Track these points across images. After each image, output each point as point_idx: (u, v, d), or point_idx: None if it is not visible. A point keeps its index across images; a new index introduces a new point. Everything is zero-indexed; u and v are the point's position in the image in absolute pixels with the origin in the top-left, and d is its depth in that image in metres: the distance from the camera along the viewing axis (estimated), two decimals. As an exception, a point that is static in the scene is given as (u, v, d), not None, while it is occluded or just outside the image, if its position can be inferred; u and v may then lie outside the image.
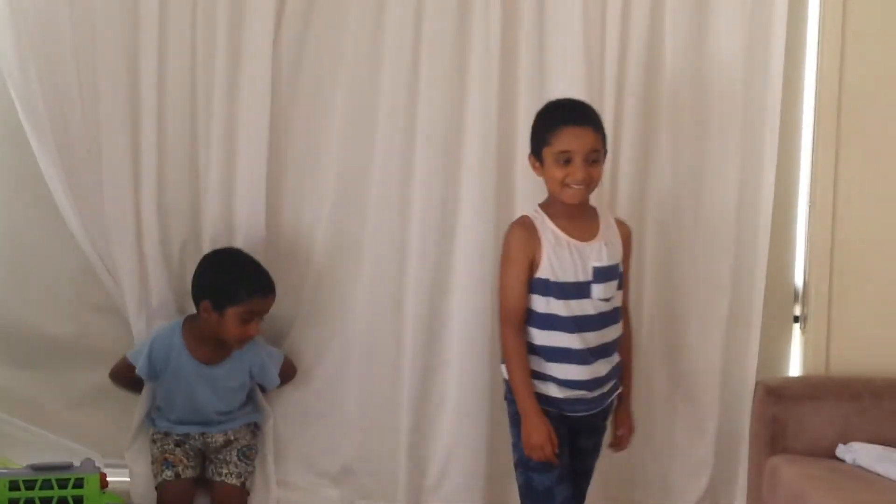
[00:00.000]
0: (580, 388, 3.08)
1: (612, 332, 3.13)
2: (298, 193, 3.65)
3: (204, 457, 3.59)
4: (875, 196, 3.72)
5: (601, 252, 3.07)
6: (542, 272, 3.03)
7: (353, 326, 3.67)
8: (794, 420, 3.52)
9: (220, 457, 3.56)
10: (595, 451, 3.27)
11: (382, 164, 3.60)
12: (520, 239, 3.06)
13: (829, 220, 3.71)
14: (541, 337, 3.07)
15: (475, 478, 3.67)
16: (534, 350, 3.08)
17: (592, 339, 3.06)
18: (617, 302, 3.14)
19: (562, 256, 3.03)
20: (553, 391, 3.07)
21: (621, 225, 3.22)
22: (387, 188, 3.61)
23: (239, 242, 3.58)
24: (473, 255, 3.60)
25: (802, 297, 3.79)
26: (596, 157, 3.03)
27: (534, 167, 3.11)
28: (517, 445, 3.10)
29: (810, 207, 3.73)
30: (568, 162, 2.99)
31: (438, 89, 3.56)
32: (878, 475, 3.28)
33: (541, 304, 3.05)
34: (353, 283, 3.67)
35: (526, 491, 3.11)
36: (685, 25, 3.58)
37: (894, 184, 3.72)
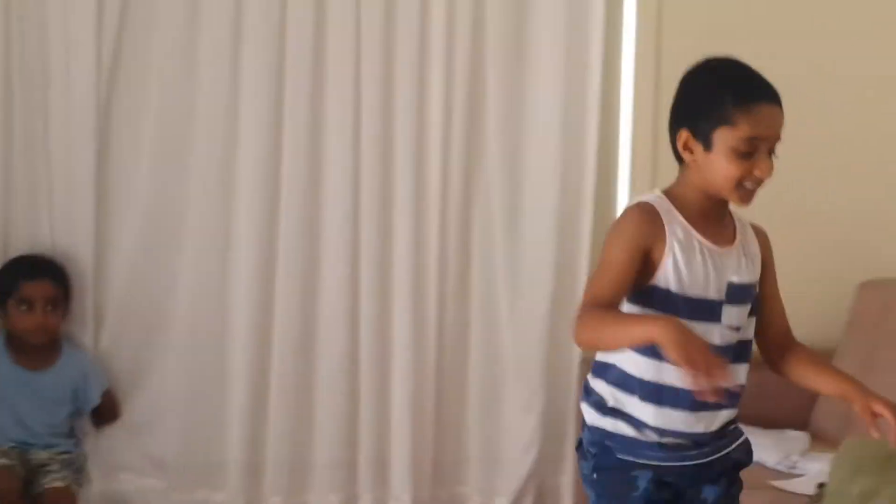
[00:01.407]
0: (677, 438, 2.26)
1: (738, 374, 2.26)
2: (123, 191, 3.62)
3: (27, 472, 3.47)
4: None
5: (740, 264, 2.28)
6: (663, 279, 2.19)
7: (176, 328, 3.66)
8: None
9: (44, 468, 3.46)
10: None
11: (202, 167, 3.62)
12: (637, 222, 2.21)
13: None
14: (639, 366, 2.21)
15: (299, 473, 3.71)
16: (623, 382, 2.24)
17: None
18: (748, 334, 2.31)
19: (692, 262, 2.20)
20: (627, 430, 2.24)
21: (759, 231, 2.40)
22: (208, 188, 3.62)
23: (62, 244, 3.53)
24: (294, 252, 3.63)
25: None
26: (774, 147, 2.23)
27: (686, 149, 2.23)
28: None
29: (631, 185, 3.80)
30: (749, 154, 2.17)
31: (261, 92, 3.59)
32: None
33: None
34: (173, 283, 3.65)
35: None
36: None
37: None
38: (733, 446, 2.31)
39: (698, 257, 2.21)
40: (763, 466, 3.17)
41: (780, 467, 3.24)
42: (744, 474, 2.36)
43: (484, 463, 3.76)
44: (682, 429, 2.23)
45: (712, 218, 2.27)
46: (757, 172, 2.18)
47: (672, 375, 2.14)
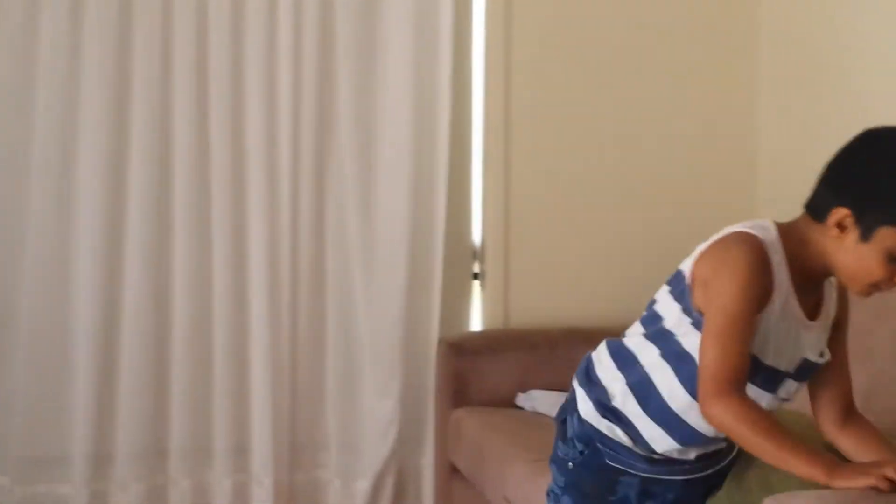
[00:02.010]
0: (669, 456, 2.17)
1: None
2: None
3: None
4: (547, 154, 3.87)
5: (819, 340, 2.09)
6: (755, 344, 1.99)
7: (20, 324, 3.58)
8: (475, 373, 3.63)
9: None
10: None
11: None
12: (756, 270, 1.96)
13: (502, 179, 3.84)
14: (672, 391, 2.08)
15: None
16: (644, 391, 2.11)
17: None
18: (791, 402, 2.16)
19: (781, 329, 2.01)
20: (623, 439, 2.16)
21: (841, 294, 2.15)
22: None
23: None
24: (142, 241, 3.60)
25: (480, 254, 3.90)
26: None
27: (838, 226, 1.97)
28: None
29: (484, 165, 3.84)
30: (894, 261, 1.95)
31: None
32: (554, 419, 3.41)
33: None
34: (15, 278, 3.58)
35: None
36: None
37: (565, 141, 3.88)
38: (726, 462, 2.21)
39: (790, 326, 2.02)
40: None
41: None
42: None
43: (344, 447, 3.74)
44: (677, 456, 2.16)
45: (810, 286, 2.05)
46: (889, 281, 1.97)
47: (698, 418, 2.04)
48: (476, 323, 3.94)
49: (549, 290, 3.90)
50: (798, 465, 1.90)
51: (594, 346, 3.63)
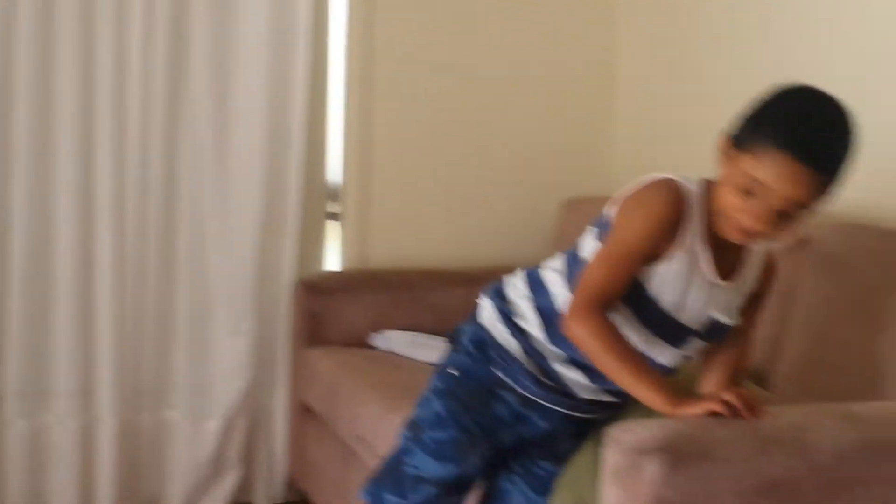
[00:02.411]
0: (558, 385, 2.19)
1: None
2: None
3: None
4: (408, 95, 3.82)
5: (730, 304, 2.10)
6: (649, 280, 2.03)
7: None
8: (331, 314, 3.59)
9: None
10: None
11: None
12: (666, 209, 2.00)
13: (363, 120, 3.78)
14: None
15: None
16: (549, 318, 2.14)
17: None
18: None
19: (686, 281, 2.04)
20: (516, 351, 2.19)
21: (769, 266, 2.17)
22: None
23: None
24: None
25: (340, 195, 3.85)
26: (792, 210, 1.92)
27: (721, 151, 1.98)
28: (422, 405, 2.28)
29: (345, 105, 3.78)
30: (751, 194, 1.91)
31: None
32: (409, 358, 3.42)
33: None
34: None
35: (391, 464, 2.29)
36: None
37: (428, 83, 3.84)
38: (609, 414, 2.18)
39: (698, 282, 2.03)
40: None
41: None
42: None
43: (193, 387, 3.65)
44: (571, 387, 2.16)
45: (730, 247, 2.03)
46: (745, 217, 1.92)
47: None
48: (335, 264, 3.89)
49: (409, 232, 3.88)
50: (645, 392, 1.95)
51: (451, 287, 3.69)
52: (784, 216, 1.91)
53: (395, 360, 3.39)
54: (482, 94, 3.90)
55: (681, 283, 2.02)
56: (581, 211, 3.69)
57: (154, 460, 3.67)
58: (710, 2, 3.52)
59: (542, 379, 2.17)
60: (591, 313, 1.98)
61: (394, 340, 3.52)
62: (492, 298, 2.25)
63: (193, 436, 3.66)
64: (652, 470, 1.75)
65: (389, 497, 2.25)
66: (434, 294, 3.70)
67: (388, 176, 3.84)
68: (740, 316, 2.13)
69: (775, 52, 3.20)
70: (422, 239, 3.89)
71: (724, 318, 2.09)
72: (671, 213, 1.98)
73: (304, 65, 3.62)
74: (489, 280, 3.68)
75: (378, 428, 2.90)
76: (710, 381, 2.18)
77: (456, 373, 2.23)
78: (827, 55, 3.00)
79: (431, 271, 3.78)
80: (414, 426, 2.26)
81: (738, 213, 1.93)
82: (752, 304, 2.16)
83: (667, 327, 2.06)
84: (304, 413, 3.59)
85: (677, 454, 1.76)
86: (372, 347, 3.55)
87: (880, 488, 1.84)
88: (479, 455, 2.22)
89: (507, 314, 2.19)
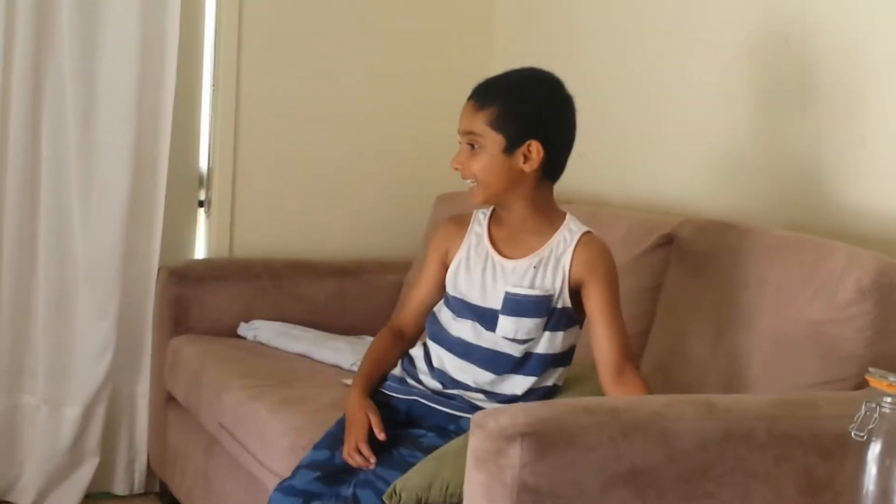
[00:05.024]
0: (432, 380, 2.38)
1: (515, 384, 2.29)
2: None
3: None
4: (278, 84, 3.79)
5: (525, 275, 2.26)
6: (447, 280, 2.35)
7: None
8: (197, 302, 3.54)
9: None
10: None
11: None
12: (443, 230, 2.42)
13: (232, 105, 3.73)
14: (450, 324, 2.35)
15: None
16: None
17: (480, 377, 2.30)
18: (544, 348, 2.27)
19: (472, 268, 2.31)
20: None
21: (587, 249, 2.27)
22: None
23: None
24: None
25: (207, 181, 3.80)
26: (473, 141, 2.24)
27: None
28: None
29: (213, 92, 3.73)
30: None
31: None
32: (276, 349, 3.39)
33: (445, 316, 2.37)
34: None
35: None
36: None
37: (298, 71, 3.81)
38: (465, 415, 2.22)
39: (482, 263, 2.30)
40: (339, 368, 3.24)
41: (353, 368, 3.30)
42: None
43: (53, 372, 3.54)
44: (449, 370, 2.32)
45: (520, 227, 2.30)
46: (452, 163, 2.29)
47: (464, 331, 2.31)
48: (201, 252, 3.84)
49: (276, 222, 3.85)
50: (355, 385, 2.37)
51: (319, 278, 3.68)
52: (471, 153, 2.24)
53: (261, 350, 3.36)
54: (353, 88, 3.88)
55: (468, 270, 2.32)
56: (454, 207, 3.70)
57: (7, 447, 3.56)
58: (580, 5, 3.59)
59: (410, 380, 2.39)
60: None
61: (261, 330, 3.48)
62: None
63: (51, 422, 3.56)
64: (516, 455, 1.76)
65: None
66: (302, 285, 3.68)
67: (255, 164, 3.80)
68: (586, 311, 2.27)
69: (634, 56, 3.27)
70: (290, 229, 3.86)
71: (518, 290, 2.25)
72: (448, 229, 2.41)
73: (174, 48, 3.56)
74: (357, 272, 3.75)
75: (240, 416, 2.88)
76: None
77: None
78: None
79: (299, 262, 3.75)
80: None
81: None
82: (589, 295, 2.26)
83: (480, 315, 2.29)
84: (166, 401, 3.52)
85: (542, 440, 1.77)
86: (240, 337, 3.51)
87: (738, 476, 1.88)
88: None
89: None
